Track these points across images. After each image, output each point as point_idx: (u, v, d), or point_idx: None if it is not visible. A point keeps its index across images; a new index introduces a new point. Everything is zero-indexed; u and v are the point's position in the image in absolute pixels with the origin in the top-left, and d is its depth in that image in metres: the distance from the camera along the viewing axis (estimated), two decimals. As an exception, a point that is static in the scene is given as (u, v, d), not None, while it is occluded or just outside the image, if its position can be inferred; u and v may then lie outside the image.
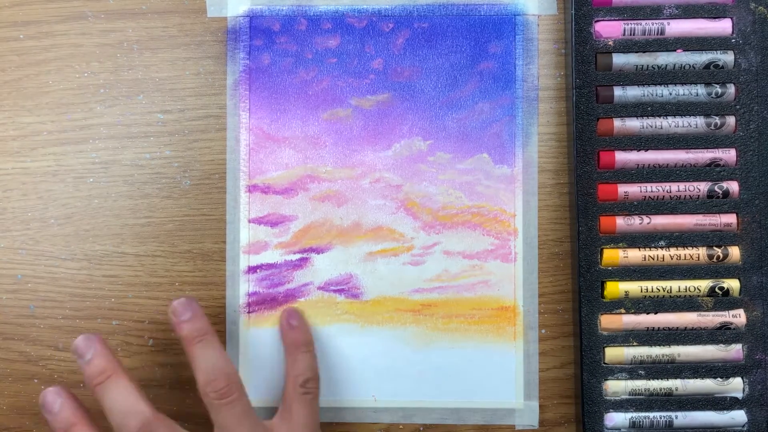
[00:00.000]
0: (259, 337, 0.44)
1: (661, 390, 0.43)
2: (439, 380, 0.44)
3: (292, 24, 0.45)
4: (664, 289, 0.43)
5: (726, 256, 0.43)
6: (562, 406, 0.44)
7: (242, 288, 0.45)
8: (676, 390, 0.43)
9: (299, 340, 0.43)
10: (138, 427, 0.38)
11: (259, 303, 0.45)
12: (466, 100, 0.45)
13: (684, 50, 0.43)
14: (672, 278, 0.43)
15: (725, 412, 0.43)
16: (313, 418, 0.41)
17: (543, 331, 0.44)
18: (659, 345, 0.43)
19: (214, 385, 0.39)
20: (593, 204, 0.43)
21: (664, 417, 0.43)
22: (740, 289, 0.43)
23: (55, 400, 0.39)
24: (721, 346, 0.43)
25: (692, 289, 0.43)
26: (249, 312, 0.45)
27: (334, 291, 0.45)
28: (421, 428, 0.45)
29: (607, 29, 0.43)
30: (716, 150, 0.43)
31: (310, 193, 0.45)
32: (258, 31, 0.45)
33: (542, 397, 0.44)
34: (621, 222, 0.43)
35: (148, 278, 0.45)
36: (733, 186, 0.43)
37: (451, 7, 0.45)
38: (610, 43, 0.43)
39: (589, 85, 0.43)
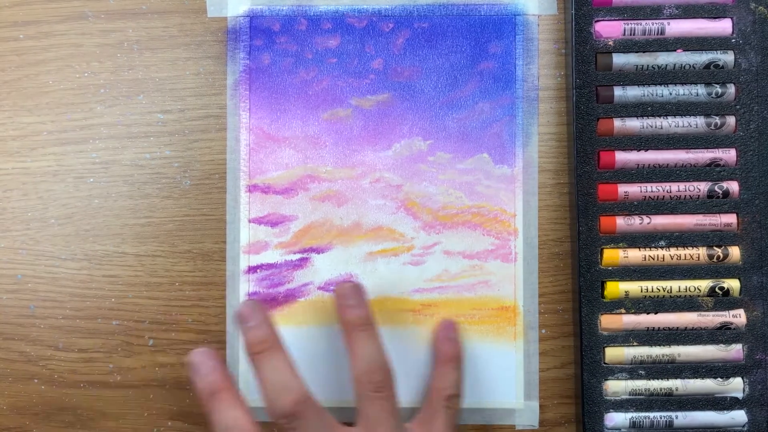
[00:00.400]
0: (260, 337, 0.44)
1: (661, 390, 0.43)
2: (439, 380, 0.44)
3: (292, 24, 0.45)
4: (664, 289, 0.43)
5: (726, 256, 0.43)
6: (562, 406, 0.44)
7: (242, 288, 0.45)
8: (677, 390, 0.43)
9: (453, 354, 0.42)
10: (293, 403, 0.37)
11: (260, 303, 0.45)
12: (466, 100, 0.45)
13: (684, 50, 0.43)
14: (672, 278, 0.43)
15: (725, 412, 0.43)
16: None
17: (543, 331, 0.44)
18: (659, 345, 0.43)
19: (372, 376, 0.39)
20: (593, 204, 0.43)
21: (664, 417, 0.43)
22: (740, 289, 0.43)
23: (204, 361, 0.39)
24: (722, 346, 0.43)
25: (692, 289, 0.43)
26: (249, 312, 0.45)
27: (335, 291, 0.45)
28: (422, 428, 0.45)
29: (607, 29, 0.43)
30: (716, 150, 0.43)
31: (310, 193, 0.45)
32: (258, 31, 0.45)
33: (542, 397, 0.44)
34: (621, 222, 0.43)
35: (148, 278, 0.45)
36: (733, 186, 0.43)
37: (451, 7, 0.45)
38: (610, 43, 0.43)
39: (589, 85, 0.43)
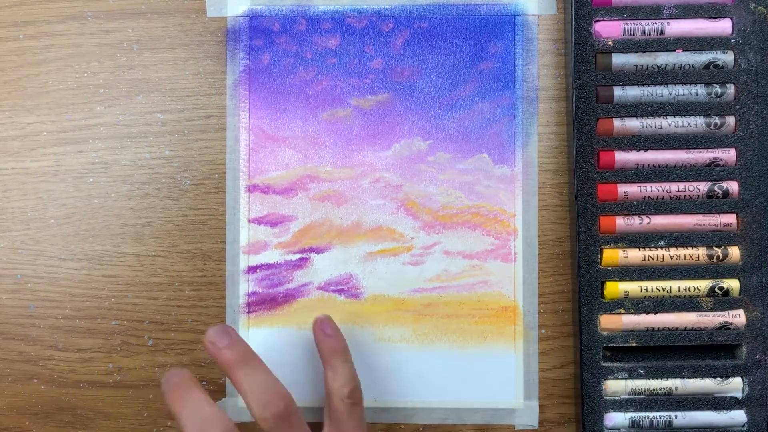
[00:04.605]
0: (259, 337, 0.44)
1: (660, 390, 0.43)
2: (439, 380, 0.44)
3: (292, 24, 0.45)
4: (663, 290, 0.43)
5: (726, 256, 0.43)
6: (561, 406, 0.44)
7: (242, 288, 0.45)
8: (676, 390, 0.43)
9: (337, 348, 0.41)
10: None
11: (259, 303, 0.45)
12: (466, 100, 0.45)
13: (684, 50, 0.43)
14: (672, 278, 0.43)
15: (725, 411, 0.43)
16: (363, 428, 0.40)
17: (543, 331, 0.44)
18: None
19: (273, 409, 0.37)
20: (593, 204, 0.43)
21: (663, 417, 0.43)
22: (740, 289, 0.43)
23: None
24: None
25: (692, 289, 0.43)
26: (249, 312, 0.45)
27: (334, 291, 0.45)
28: (421, 428, 0.45)
29: (607, 29, 0.43)
30: (716, 150, 0.43)
31: (310, 193, 0.45)
32: (258, 31, 0.45)
33: (542, 397, 0.44)
34: (621, 222, 0.43)
35: (148, 278, 0.45)
36: (733, 186, 0.43)
37: (450, 7, 0.45)
38: (610, 43, 0.43)
39: (588, 85, 0.43)
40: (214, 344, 0.38)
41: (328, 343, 0.41)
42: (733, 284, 0.43)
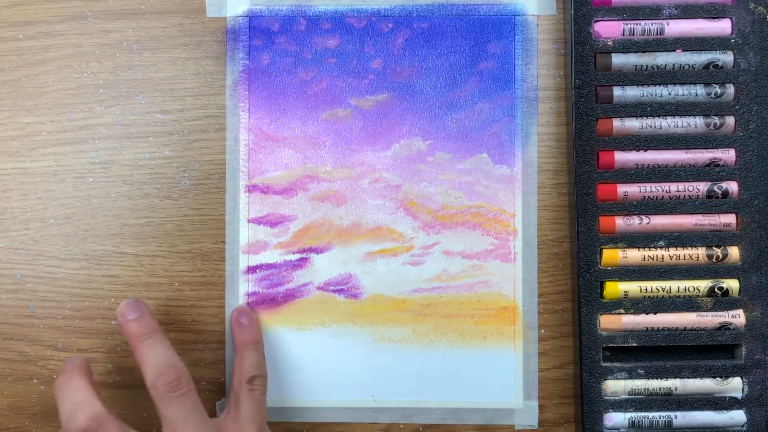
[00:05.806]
0: (259, 337, 0.44)
1: (660, 390, 0.43)
2: (438, 380, 0.44)
3: (292, 24, 0.45)
4: (663, 290, 0.43)
5: (725, 256, 0.43)
6: (561, 406, 0.44)
7: (241, 288, 0.45)
8: (676, 390, 0.43)
9: (248, 338, 0.43)
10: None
11: (259, 303, 0.45)
12: (466, 100, 0.45)
13: (683, 50, 0.43)
14: (671, 278, 0.43)
15: (724, 411, 0.43)
16: (260, 415, 0.41)
17: (542, 331, 0.44)
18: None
19: (165, 378, 0.39)
20: (592, 204, 0.43)
21: (663, 417, 0.43)
22: (739, 290, 0.43)
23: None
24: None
25: (692, 289, 0.43)
26: (248, 312, 0.45)
27: (334, 291, 0.45)
28: (421, 428, 0.45)
29: (607, 29, 0.43)
30: (715, 150, 0.43)
31: (309, 193, 0.45)
32: (257, 31, 0.45)
33: (542, 397, 0.44)
34: (620, 222, 0.43)
35: (148, 278, 0.45)
36: (733, 186, 0.43)
37: (450, 7, 0.45)
38: (610, 43, 0.43)
39: (588, 85, 0.43)
40: (124, 316, 0.41)
41: (241, 333, 0.43)
42: (732, 284, 0.43)
